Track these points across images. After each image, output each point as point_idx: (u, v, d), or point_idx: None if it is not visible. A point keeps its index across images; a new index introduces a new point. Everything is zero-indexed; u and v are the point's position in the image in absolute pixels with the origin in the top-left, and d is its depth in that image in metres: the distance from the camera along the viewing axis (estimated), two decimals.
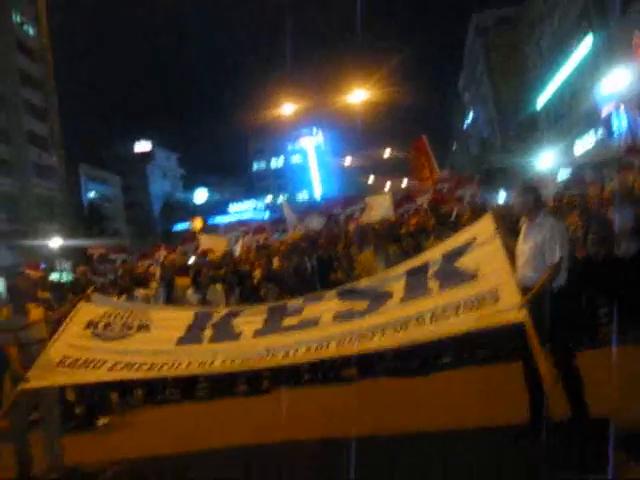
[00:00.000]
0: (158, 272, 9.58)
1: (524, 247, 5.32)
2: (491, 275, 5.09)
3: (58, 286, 9.62)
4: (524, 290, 4.85)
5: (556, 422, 4.88)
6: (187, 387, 8.60)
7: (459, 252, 5.52)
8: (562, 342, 5.08)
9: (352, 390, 7.52)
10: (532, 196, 5.41)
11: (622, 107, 30.87)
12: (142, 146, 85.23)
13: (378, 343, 5.20)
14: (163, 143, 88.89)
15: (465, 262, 5.39)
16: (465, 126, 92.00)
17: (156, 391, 8.76)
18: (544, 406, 5.00)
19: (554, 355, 5.04)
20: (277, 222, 14.06)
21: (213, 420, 7.38)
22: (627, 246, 7.58)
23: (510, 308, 4.67)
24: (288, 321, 5.94)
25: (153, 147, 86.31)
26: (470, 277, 5.23)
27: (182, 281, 9.29)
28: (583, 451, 4.61)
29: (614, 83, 29.99)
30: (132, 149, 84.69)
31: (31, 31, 55.80)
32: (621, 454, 4.30)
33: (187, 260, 11.23)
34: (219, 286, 8.71)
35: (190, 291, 8.87)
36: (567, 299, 5.17)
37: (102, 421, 7.99)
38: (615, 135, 31.97)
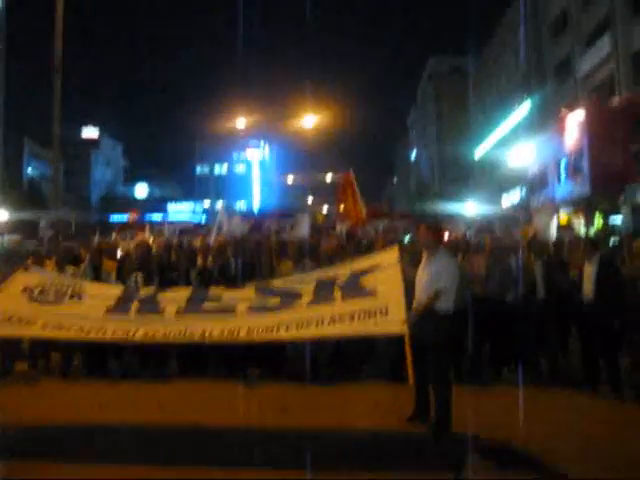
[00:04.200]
0: (88, 254, 10.12)
1: (422, 275, 6.38)
2: (386, 294, 6.09)
3: None
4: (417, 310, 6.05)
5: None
6: (96, 364, 8.99)
7: (365, 272, 6.49)
8: (438, 358, 6.13)
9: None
10: (434, 236, 6.51)
11: (546, 170, 33.41)
12: (89, 132, 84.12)
13: (281, 336, 6.17)
14: (110, 132, 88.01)
15: (367, 280, 6.37)
16: (408, 162, 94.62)
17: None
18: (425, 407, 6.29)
19: (431, 370, 6.14)
20: (200, 225, 14.84)
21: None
22: (511, 292, 8.50)
23: (395, 322, 5.76)
24: (208, 305, 6.77)
25: (100, 135, 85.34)
26: (369, 293, 6.22)
27: (109, 265, 9.78)
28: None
29: (540, 148, 32.52)
30: (79, 133, 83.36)
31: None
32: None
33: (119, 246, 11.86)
34: (140, 275, 9.13)
35: (113, 275, 9.36)
36: (451, 322, 6.20)
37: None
38: (536, 194, 34.56)
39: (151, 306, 6.84)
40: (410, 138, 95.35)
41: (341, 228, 12.46)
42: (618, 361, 7.74)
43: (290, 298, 6.59)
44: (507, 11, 43.89)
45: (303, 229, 11.81)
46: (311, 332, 6.18)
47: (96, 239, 12.16)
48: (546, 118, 33.35)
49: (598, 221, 25.82)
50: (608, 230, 23.29)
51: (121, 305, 6.84)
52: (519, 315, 8.38)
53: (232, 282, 8.91)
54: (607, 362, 7.77)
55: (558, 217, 28.28)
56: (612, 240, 12.69)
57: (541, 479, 5.33)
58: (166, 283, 8.94)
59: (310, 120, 37.44)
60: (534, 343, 8.49)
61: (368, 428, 6.35)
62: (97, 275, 9.34)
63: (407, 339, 5.61)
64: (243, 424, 6.55)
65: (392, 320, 5.81)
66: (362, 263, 6.76)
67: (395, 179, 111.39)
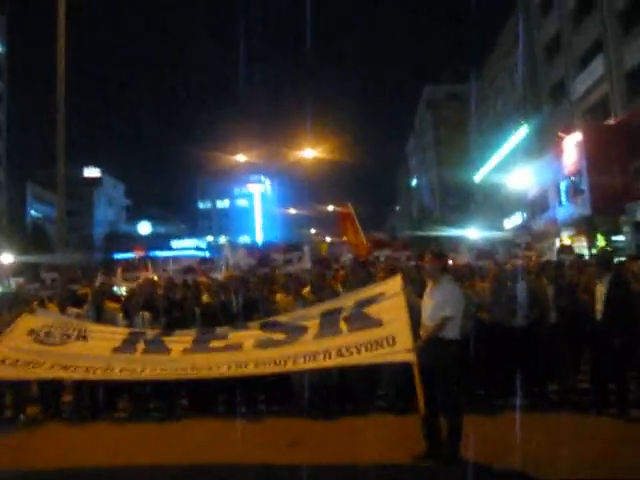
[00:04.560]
0: (90, 295, 10.13)
1: (427, 303, 6.42)
2: (392, 323, 6.14)
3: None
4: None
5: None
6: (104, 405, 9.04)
7: (369, 302, 6.53)
8: (447, 385, 6.12)
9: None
10: (439, 264, 6.55)
11: (547, 193, 33.59)
12: (91, 172, 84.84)
13: (289, 368, 6.28)
14: (111, 172, 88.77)
15: (373, 310, 6.41)
16: (409, 189, 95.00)
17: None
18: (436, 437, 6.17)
19: (440, 397, 6.10)
20: (206, 261, 14.91)
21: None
22: (520, 318, 8.55)
23: (403, 350, 5.83)
24: (214, 343, 6.85)
25: (102, 174, 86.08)
26: (375, 323, 6.27)
27: (112, 305, 9.74)
28: None
29: (539, 172, 32.75)
30: (80, 173, 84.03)
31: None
32: None
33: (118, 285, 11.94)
34: (147, 314, 9.21)
35: (120, 316, 9.32)
36: (458, 349, 6.26)
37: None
38: (537, 217, 34.70)
39: (157, 347, 6.91)
40: (410, 165, 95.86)
41: (345, 259, 12.55)
42: (625, 382, 7.73)
43: (296, 333, 6.64)
44: (501, 35, 44.46)
45: (304, 261, 11.87)
46: (319, 363, 6.23)
47: (98, 280, 12.17)
48: (544, 140, 33.55)
49: (601, 241, 25.85)
50: (612, 250, 23.31)
51: (127, 346, 6.91)
52: (528, 340, 8.38)
53: (235, 319, 9.01)
54: (615, 383, 7.74)
55: (560, 239, 28.34)
56: (617, 260, 12.68)
57: None
58: (172, 322, 9.05)
59: (310, 152, 37.71)
60: (544, 367, 8.50)
61: (377, 462, 6.27)
62: (100, 316, 9.27)
63: (416, 367, 5.66)
64: (252, 460, 6.50)
65: (400, 349, 5.87)
66: (366, 293, 6.79)
67: (397, 207, 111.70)
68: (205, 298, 10.02)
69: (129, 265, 13.96)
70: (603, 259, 8.47)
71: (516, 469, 5.84)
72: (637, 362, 7.91)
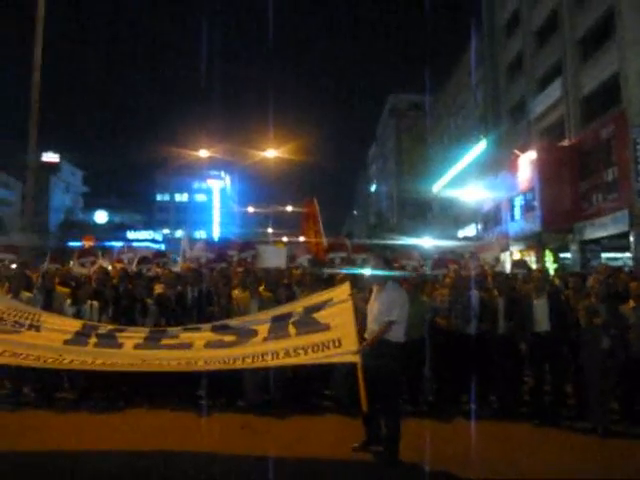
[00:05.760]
0: (40, 279, 9.90)
1: (373, 306, 6.63)
2: (339, 327, 6.41)
3: None
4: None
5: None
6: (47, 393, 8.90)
7: (318, 307, 6.79)
8: (388, 387, 6.35)
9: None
10: (382, 268, 6.73)
11: (500, 207, 34.49)
12: (49, 157, 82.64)
13: (237, 366, 6.46)
14: (70, 159, 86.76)
15: (321, 316, 6.67)
16: (368, 195, 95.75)
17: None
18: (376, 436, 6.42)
19: (379, 398, 6.29)
20: (160, 253, 14.71)
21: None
22: (473, 325, 8.70)
23: (348, 352, 6.11)
24: (166, 341, 7.00)
25: (60, 160, 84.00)
26: (323, 327, 6.52)
27: (62, 291, 9.63)
28: None
29: (494, 187, 33.61)
30: (37, 158, 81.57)
31: None
32: None
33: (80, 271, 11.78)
34: (96, 303, 9.13)
35: (68, 302, 9.21)
36: (402, 352, 6.47)
37: None
38: (489, 230, 35.57)
39: (109, 341, 6.96)
40: (370, 171, 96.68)
41: (302, 260, 12.61)
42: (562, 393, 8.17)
43: (246, 336, 6.86)
44: (466, 52, 45.26)
45: (276, 260, 11.82)
46: (266, 362, 6.46)
47: (46, 264, 11.99)
48: (501, 157, 34.43)
49: (549, 257, 26.76)
50: (559, 266, 24.24)
51: (79, 338, 6.93)
52: (479, 349, 8.53)
53: (189, 311, 9.12)
54: (553, 395, 8.12)
55: (511, 253, 29.19)
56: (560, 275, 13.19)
57: None
58: (120, 312, 9.09)
59: (272, 152, 37.78)
60: (492, 376, 8.67)
61: (318, 457, 6.48)
62: (49, 300, 9.24)
63: (360, 367, 5.91)
64: (199, 450, 6.64)
65: (345, 351, 6.13)
66: (315, 299, 7.05)
67: (355, 211, 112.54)
68: (158, 289, 9.97)
69: (85, 253, 13.69)
70: (540, 275, 8.86)
71: (450, 472, 6.02)
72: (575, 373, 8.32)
